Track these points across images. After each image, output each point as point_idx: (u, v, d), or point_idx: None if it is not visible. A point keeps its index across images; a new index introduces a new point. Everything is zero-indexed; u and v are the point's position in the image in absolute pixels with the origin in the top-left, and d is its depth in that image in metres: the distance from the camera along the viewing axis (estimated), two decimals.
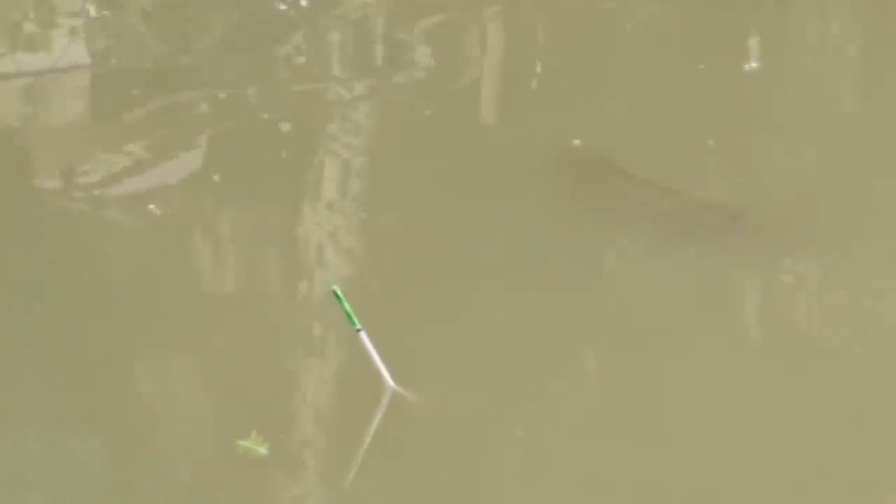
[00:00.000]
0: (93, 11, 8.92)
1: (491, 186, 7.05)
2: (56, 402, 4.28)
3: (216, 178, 7.11)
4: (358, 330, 4.67)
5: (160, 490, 3.82)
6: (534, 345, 5.01)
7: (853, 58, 8.97)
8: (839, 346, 5.00)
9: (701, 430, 4.50)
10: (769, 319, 5.16)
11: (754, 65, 8.70)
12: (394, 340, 4.81)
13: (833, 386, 4.71)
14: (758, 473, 4.24)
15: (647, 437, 4.43)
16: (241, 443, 3.87)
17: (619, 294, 5.55)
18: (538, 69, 8.69)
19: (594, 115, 7.94)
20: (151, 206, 6.05)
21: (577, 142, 7.10)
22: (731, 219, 5.97)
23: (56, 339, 4.64)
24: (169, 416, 4.17)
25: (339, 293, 4.71)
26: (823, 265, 5.61)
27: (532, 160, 7.20)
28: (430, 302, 5.33)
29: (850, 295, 5.34)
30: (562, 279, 5.58)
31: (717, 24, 8.89)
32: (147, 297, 5.02)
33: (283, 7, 8.97)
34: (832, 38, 9.46)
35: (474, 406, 4.57)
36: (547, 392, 4.72)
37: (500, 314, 5.26)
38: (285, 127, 8.05)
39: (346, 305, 4.69)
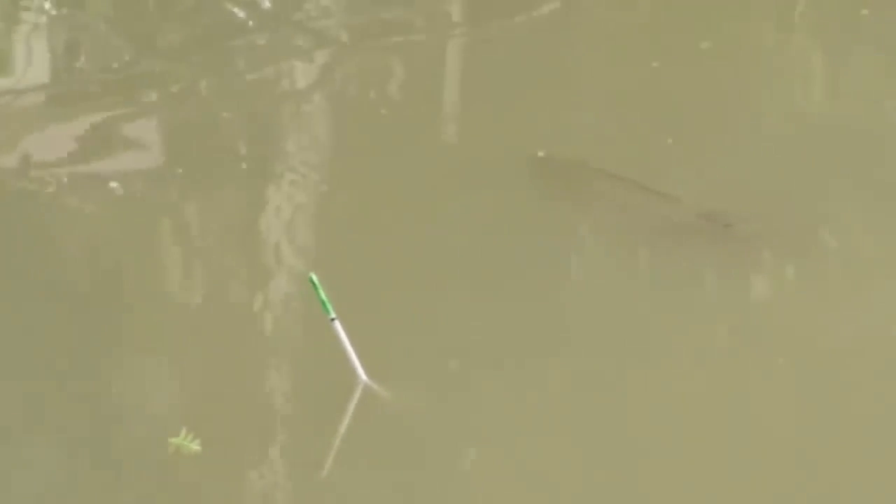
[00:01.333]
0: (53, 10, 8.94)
1: (468, 186, 7.13)
2: None
3: (178, 170, 7.21)
4: (332, 319, 4.68)
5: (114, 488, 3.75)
6: (511, 345, 5.02)
7: (827, 64, 9.13)
8: (825, 356, 4.95)
9: (679, 435, 4.50)
10: (756, 329, 5.16)
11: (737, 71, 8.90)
12: (367, 336, 4.83)
13: (821, 394, 4.71)
14: (739, 480, 4.23)
15: (618, 439, 4.43)
16: (173, 440, 3.80)
17: (601, 298, 5.58)
18: (505, 75, 8.90)
19: (571, 120, 8.11)
20: (114, 185, 5.99)
21: (541, 154, 7.18)
22: (724, 227, 5.98)
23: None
24: (127, 411, 4.13)
25: (316, 281, 4.71)
26: (814, 276, 5.59)
27: (510, 162, 7.36)
28: (405, 299, 5.35)
29: (839, 305, 5.30)
30: (540, 281, 5.62)
31: (680, 26, 9.06)
32: (108, 292, 4.99)
33: (241, 15, 9.03)
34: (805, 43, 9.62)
35: (446, 403, 4.58)
36: (521, 392, 4.74)
37: (476, 313, 5.28)
38: (245, 124, 8.15)
39: (322, 294, 4.69)
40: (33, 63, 8.49)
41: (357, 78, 9.07)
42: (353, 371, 4.62)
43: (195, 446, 3.72)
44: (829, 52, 9.42)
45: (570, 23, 9.13)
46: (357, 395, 4.62)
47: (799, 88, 8.77)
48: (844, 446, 4.40)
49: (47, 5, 8.93)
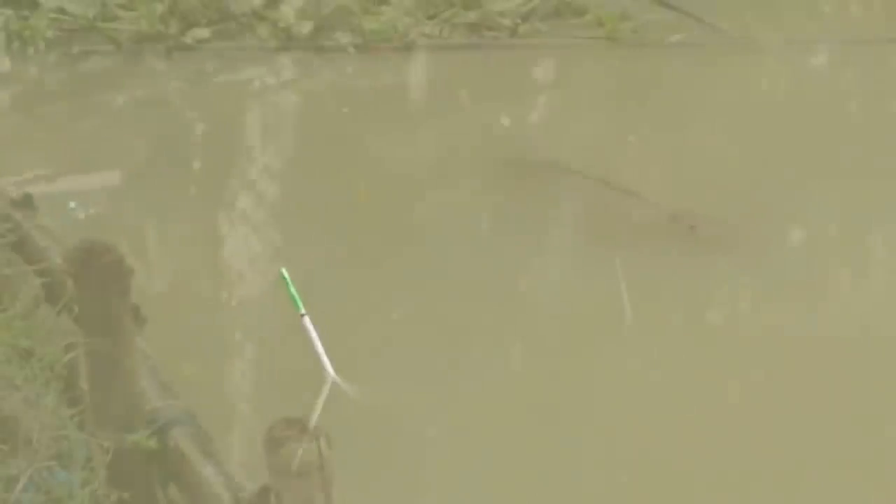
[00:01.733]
0: None
1: (441, 185, 7.23)
2: None
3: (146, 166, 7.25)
4: (302, 315, 4.69)
5: None
6: (480, 341, 5.05)
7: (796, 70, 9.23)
8: (784, 349, 5.06)
9: (639, 423, 4.58)
10: (715, 323, 5.22)
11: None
12: (337, 333, 4.85)
13: (781, 385, 4.80)
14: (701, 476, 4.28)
15: (581, 431, 4.49)
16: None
17: (568, 294, 5.65)
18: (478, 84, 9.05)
19: (543, 124, 8.23)
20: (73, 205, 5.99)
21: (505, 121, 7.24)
22: (689, 228, 6.04)
23: None
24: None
25: (287, 276, 4.72)
26: (773, 276, 5.68)
27: (483, 163, 7.49)
28: (375, 298, 5.37)
29: (798, 302, 5.44)
30: (509, 277, 5.67)
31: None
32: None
33: None
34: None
35: (414, 400, 4.59)
36: (490, 387, 4.80)
37: (445, 310, 5.32)
38: (210, 126, 8.20)
39: (293, 289, 4.70)
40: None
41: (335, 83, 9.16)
42: (322, 367, 4.63)
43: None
44: (794, 55, 9.53)
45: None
46: (326, 391, 4.63)
47: (764, 92, 8.88)
48: (794, 433, 4.50)
49: None
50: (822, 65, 9.59)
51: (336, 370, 4.63)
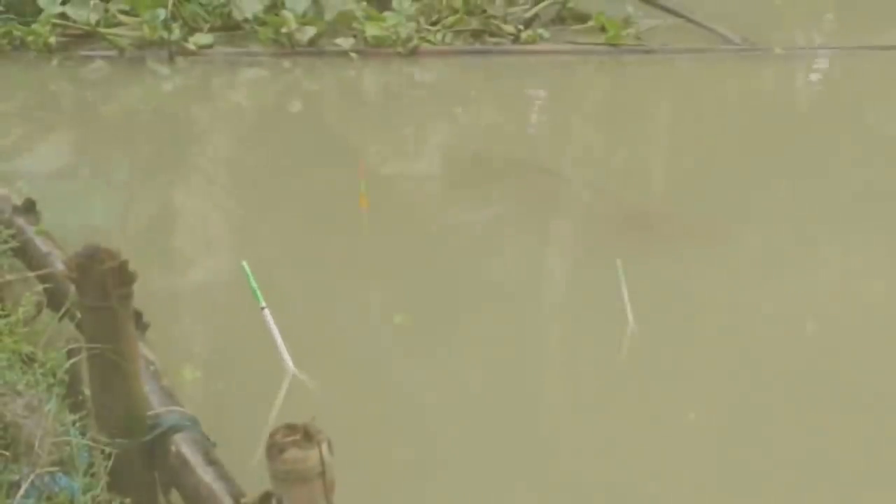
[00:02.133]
0: None
1: (411, 179, 7.33)
2: None
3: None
4: (262, 308, 4.73)
5: None
6: (438, 337, 5.11)
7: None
8: (736, 336, 5.22)
9: (597, 412, 4.68)
10: (667, 311, 5.32)
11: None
12: (297, 326, 4.96)
13: (737, 366, 4.94)
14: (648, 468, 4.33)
15: (533, 421, 4.58)
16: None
17: (530, 282, 5.78)
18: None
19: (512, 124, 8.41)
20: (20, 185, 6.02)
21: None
22: (649, 228, 6.37)
23: None
24: None
25: (248, 269, 4.77)
26: (729, 269, 5.85)
27: (454, 160, 7.63)
28: (334, 293, 5.43)
29: (748, 291, 5.62)
30: (473, 270, 5.75)
31: None
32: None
33: None
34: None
35: (371, 392, 4.69)
36: (448, 379, 4.89)
37: (407, 303, 5.40)
38: (209, 130, 8.25)
39: (253, 282, 4.74)
40: None
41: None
42: (281, 361, 4.68)
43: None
44: (792, 62, 9.60)
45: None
46: (285, 385, 4.66)
47: (754, 99, 8.96)
48: (741, 419, 4.61)
49: None
50: (817, 72, 9.66)
51: (295, 364, 4.70)
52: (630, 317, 4.99)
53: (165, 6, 9.13)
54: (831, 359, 5.00)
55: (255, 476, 2.94)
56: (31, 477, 3.24)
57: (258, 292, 4.76)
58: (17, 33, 9.15)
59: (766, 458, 4.32)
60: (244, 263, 4.83)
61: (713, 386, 4.80)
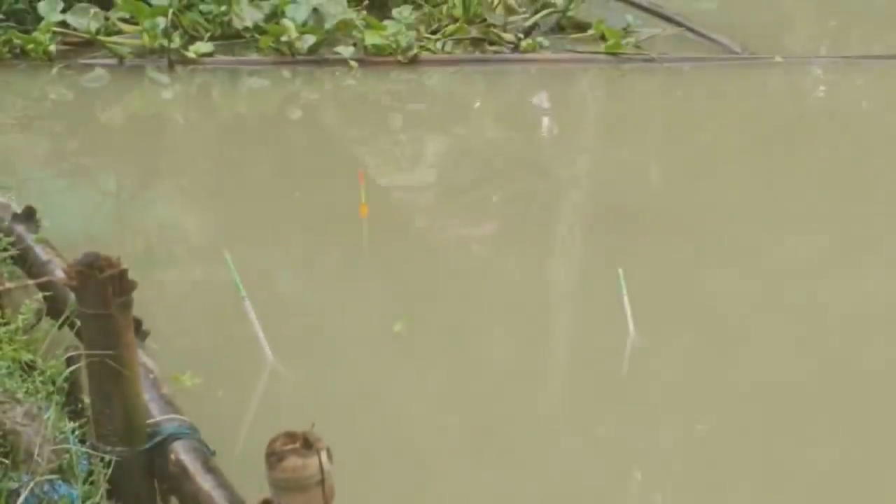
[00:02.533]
0: None
1: (406, 189, 7.38)
2: None
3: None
4: (243, 298, 4.75)
5: None
6: (416, 330, 5.12)
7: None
8: (714, 323, 5.33)
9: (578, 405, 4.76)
10: (650, 303, 5.36)
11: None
12: (295, 332, 5.02)
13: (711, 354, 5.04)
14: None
15: (532, 424, 4.60)
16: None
17: (511, 273, 5.82)
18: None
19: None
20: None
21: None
22: (627, 220, 6.45)
23: None
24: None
25: (229, 260, 4.79)
26: (701, 258, 6.02)
27: (447, 167, 7.68)
28: (334, 301, 5.46)
29: (722, 279, 5.76)
30: (463, 279, 5.81)
31: None
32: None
33: None
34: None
35: (349, 384, 4.72)
36: (424, 372, 4.94)
37: (384, 296, 5.44)
38: (209, 137, 8.27)
39: (235, 273, 4.77)
40: None
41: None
42: (261, 351, 4.69)
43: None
44: (789, 70, 9.60)
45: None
46: (265, 375, 4.68)
47: (749, 106, 8.98)
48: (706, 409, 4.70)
49: None
50: (817, 81, 9.67)
51: (275, 354, 4.71)
52: (631, 326, 4.99)
53: (165, 15, 9.15)
54: (831, 359, 5.02)
55: (254, 484, 2.93)
56: (31, 485, 3.23)
57: (240, 283, 4.79)
58: (17, 41, 9.16)
59: (766, 457, 4.33)
60: (226, 256, 4.87)
61: (713, 387, 4.83)
